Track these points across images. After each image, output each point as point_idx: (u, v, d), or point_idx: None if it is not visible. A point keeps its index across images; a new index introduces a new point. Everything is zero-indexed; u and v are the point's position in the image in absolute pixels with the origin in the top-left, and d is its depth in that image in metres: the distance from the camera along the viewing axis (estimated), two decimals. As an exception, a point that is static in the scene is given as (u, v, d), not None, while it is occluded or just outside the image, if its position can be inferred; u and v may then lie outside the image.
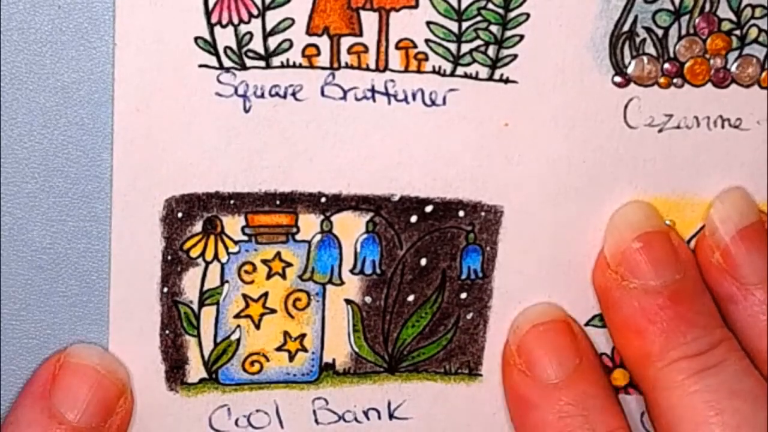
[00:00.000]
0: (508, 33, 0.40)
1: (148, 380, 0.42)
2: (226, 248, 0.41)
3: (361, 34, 0.39)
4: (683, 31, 0.41)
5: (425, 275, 0.42)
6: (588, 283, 0.43)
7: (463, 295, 0.43)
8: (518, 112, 0.41)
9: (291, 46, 0.39)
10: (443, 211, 0.42)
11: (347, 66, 0.40)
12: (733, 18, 0.41)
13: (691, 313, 0.41)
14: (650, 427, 0.43)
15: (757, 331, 0.41)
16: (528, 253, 0.42)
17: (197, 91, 0.39)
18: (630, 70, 0.41)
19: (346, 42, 0.39)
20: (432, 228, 0.42)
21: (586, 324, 0.43)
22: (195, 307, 0.41)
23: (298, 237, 0.41)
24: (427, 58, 0.40)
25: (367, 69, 0.40)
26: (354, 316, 0.42)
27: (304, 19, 0.39)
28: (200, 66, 0.39)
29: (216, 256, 0.41)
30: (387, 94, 0.40)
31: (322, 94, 0.40)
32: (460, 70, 0.40)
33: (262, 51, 0.39)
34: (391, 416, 0.44)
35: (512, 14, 0.40)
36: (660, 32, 0.41)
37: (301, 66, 0.39)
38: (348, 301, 0.42)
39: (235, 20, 0.39)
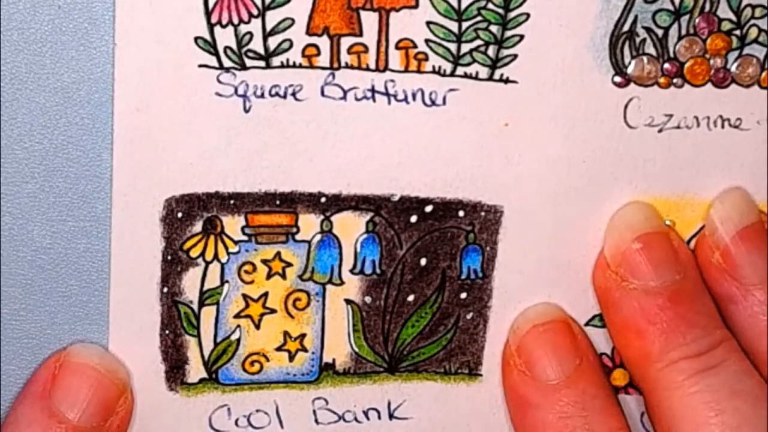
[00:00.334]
0: (508, 33, 0.40)
1: (148, 380, 0.42)
2: (226, 248, 0.41)
3: (361, 34, 0.39)
4: (683, 31, 0.41)
5: (425, 275, 0.42)
6: (588, 283, 0.43)
7: (463, 295, 0.43)
8: (518, 112, 0.41)
9: (291, 46, 0.39)
10: (443, 211, 0.42)
11: (347, 66, 0.39)
12: (733, 18, 0.41)
13: (691, 313, 0.41)
14: (650, 427, 0.43)
15: (757, 332, 0.41)
16: (528, 253, 0.42)
17: (197, 91, 0.39)
18: (630, 70, 0.41)
19: (346, 42, 0.39)
20: (432, 228, 0.42)
21: (586, 324, 0.43)
22: (195, 307, 0.41)
23: (298, 237, 0.41)
24: (427, 58, 0.40)
25: (367, 69, 0.40)
26: (354, 316, 0.42)
27: (304, 19, 0.39)
28: (200, 66, 0.39)
29: (216, 256, 0.41)
30: (387, 94, 0.40)
31: (322, 94, 0.40)
32: (460, 70, 0.40)
33: (262, 51, 0.39)
34: (391, 416, 0.44)
35: (512, 14, 0.40)
36: (660, 32, 0.41)
37: (301, 66, 0.39)
38: (348, 301, 0.42)
39: (235, 20, 0.39)
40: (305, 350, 0.43)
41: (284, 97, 0.40)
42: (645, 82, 0.41)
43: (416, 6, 0.39)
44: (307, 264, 0.42)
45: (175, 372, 0.42)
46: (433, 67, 0.40)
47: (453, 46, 0.40)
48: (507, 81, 0.40)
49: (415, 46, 0.40)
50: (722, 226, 0.42)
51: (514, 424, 0.43)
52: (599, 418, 0.41)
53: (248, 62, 0.39)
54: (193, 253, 0.41)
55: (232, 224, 0.41)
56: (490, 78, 0.40)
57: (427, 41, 0.40)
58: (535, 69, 0.40)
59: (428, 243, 0.42)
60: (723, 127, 0.42)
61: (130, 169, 0.39)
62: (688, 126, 0.42)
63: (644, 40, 0.41)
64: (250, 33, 0.39)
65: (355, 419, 0.44)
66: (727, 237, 0.42)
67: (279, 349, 0.42)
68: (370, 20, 0.39)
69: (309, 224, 0.41)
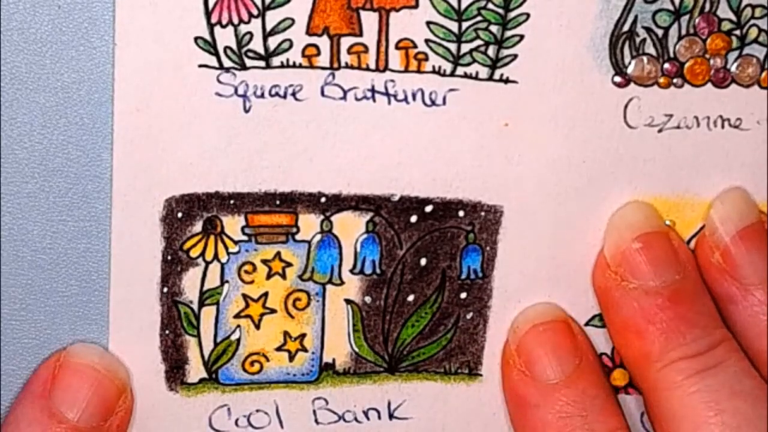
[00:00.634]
0: (508, 33, 0.40)
1: (148, 380, 0.42)
2: (226, 248, 0.41)
3: (361, 34, 0.39)
4: (683, 31, 0.41)
5: (425, 275, 0.42)
6: (588, 283, 0.43)
7: (463, 295, 0.43)
8: (518, 112, 0.41)
9: (291, 46, 0.39)
10: (443, 211, 0.42)
11: (347, 66, 0.40)
12: (733, 18, 0.41)
13: (691, 313, 0.41)
14: (650, 427, 0.43)
15: (757, 332, 0.41)
16: (528, 253, 0.42)
17: (197, 91, 0.39)
18: (630, 70, 0.41)
19: (346, 42, 0.39)
20: (432, 228, 0.42)
21: (586, 324, 0.43)
22: (195, 307, 0.41)
23: (298, 237, 0.41)
24: (427, 58, 0.40)
25: (367, 69, 0.40)
26: (354, 316, 0.42)
27: (304, 19, 0.39)
28: (200, 66, 0.39)
29: (216, 256, 0.41)
30: (387, 94, 0.40)
31: (322, 94, 0.40)
32: (460, 70, 0.40)
33: (262, 51, 0.39)
34: (391, 416, 0.44)
35: (512, 14, 0.40)
36: (660, 32, 0.41)
37: (301, 66, 0.39)
38: (348, 301, 0.42)
39: (235, 20, 0.38)
40: (305, 350, 0.43)
41: (284, 97, 0.40)
42: (645, 82, 0.41)
43: (416, 6, 0.39)
44: (307, 264, 0.42)
45: (175, 372, 0.42)
46: (433, 67, 0.40)
47: (453, 46, 0.40)
48: (507, 81, 0.40)
49: (415, 46, 0.40)
50: (722, 226, 0.42)
51: (514, 424, 0.43)
52: (599, 418, 0.41)
53: (248, 62, 0.39)
54: (193, 253, 0.41)
55: (232, 224, 0.41)
56: (490, 78, 0.40)
57: (427, 41, 0.40)
58: (535, 69, 0.40)
59: (428, 243, 0.42)
60: (723, 127, 0.42)
61: (130, 169, 0.39)
62: (688, 126, 0.42)
63: (644, 40, 0.41)
64: (250, 33, 0.39)
65: (355, 419, 0.44)
66: (727, 237, 0.42)
67: (279, 349, 0.42)
68: (370, 20, 0.39)
69: (309, 224, 0.41)
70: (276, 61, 0.39)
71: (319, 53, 0.39)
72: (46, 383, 0.40)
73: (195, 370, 0.42)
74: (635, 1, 0.40)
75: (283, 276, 0.42)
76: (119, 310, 0.41)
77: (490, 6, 0.39)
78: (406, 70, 0.40)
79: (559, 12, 0.40)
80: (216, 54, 0.39)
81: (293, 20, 0.39)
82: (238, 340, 0.42)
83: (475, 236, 0.42)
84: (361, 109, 0.40)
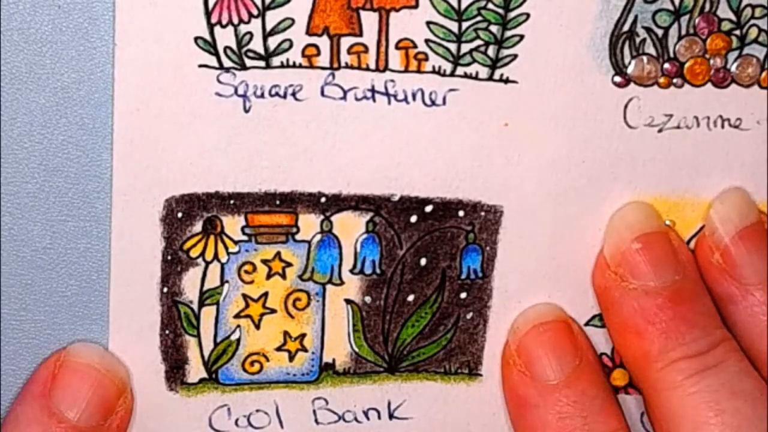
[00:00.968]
0: (508, 33, 0.40)
1: (148, 380, 0.42)
2: (226, 248, 0.41)
3: (361, 34, 0.39)
4: (683, 31, 0.41)
5: (425, 275, 0.42)
6: (588, 283, 0.43)
7: (463, 295, 0.43)
8: (518, 112, 0.41)
9: (291, 46, 0.39)
10: (443, 211, 0.42)
11: (347, 66, 0.40)
12: (733, 18, 0.41)
13: (691, 313, 0.41)
14: (650, 427, 0.43)
15: (757, 332, 0.41)
16: (528, 253, 0.42)
17: (197, 91, 0.39)
18: (630, 70, 0.41)
19: (346, 42, 0.39)
20: (432, 228, 0.42)
21: (586, 324, 0.43)
22: (195, 307, 0.41)
23: (298, 237, 0.41)
24: (427, 58, 0.40)
25: (367, 69, 0.40)
26: (354, 316, 0.42)
27: (304, 19, 0.39)
28: (200, 66, 0.39)
29: (216, 256, 0.41)
30: (387, 94, 0.40)
31: (322, 94, 0.40)
32: (460, 70, 0.40)
33: (262, 51, 0.39)
34: (391, 416, 0.44)
35: (512, 14, 0.40)
36: (660, 32, 0.41)
37: (301, 66, 0.39)
38: (348, 301, 0.42)
39: (235, 20, 0.39)
40: (305, 350, 0.43)
41: (284, 97, 0.40)
42: (645, 82, 0.41)
43: (416, 6, 0.39)
44: (307, 264, 0.42)
45: (175, 372, 0.42)
46: (433, 67, 0.40)
47: (453, 46, 0.40)
48: (507, 81, 0.40)
49: (415, 46, 0.40)
50: (722, 226, 0.42)
51: (514, 424, 0.43)
52: (599, 419, 0.41)
53: (248, 62, 0.39)
54: (193, 253, 0.41)
55: (232, 224, 0.41)
56: (490, 78, 0.40)
57: (427, 41, 0.40)
58: (535, 69, 0.40)
59: (428, 243, 0.42)
60: (723, 127, 0.42)
61: (130, 169, 0.39)
62: (688, 126, 0.42)
63: (644, 40, 0.41)
64: (250, 33, 0.39)
65: (355, 419, 0.44)
66: (727, 237, 0.42)
67: (279, 349, 0.42)
68: (370, 20, 0.39)
69: (309, 224, 0.41)
70: (276, 61, 0.39)
71: (319, 53, 0.39)
72: (46, 383, 0.40)
73: (195, 370, 0.42)
74: (635, 1, 0.40)
75: (283, 276, 0.42)
76: (119, 310, 0.41)
77: (490, 6, 0.39)
78: (406, 70, 0.40)
79: (559, 12, 0.40)
80: (216, 54, 0.39)
81: (293, 20, 0.39)
82: (238, 340, 0.42)
83: (475, 236, 0.42)
84: (361, 109, 0.40)
